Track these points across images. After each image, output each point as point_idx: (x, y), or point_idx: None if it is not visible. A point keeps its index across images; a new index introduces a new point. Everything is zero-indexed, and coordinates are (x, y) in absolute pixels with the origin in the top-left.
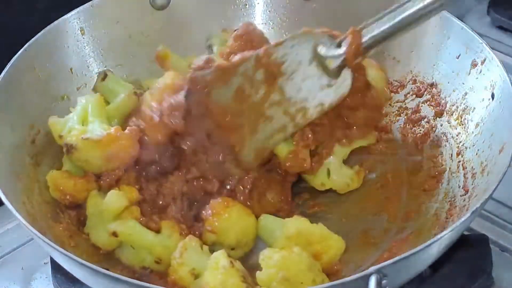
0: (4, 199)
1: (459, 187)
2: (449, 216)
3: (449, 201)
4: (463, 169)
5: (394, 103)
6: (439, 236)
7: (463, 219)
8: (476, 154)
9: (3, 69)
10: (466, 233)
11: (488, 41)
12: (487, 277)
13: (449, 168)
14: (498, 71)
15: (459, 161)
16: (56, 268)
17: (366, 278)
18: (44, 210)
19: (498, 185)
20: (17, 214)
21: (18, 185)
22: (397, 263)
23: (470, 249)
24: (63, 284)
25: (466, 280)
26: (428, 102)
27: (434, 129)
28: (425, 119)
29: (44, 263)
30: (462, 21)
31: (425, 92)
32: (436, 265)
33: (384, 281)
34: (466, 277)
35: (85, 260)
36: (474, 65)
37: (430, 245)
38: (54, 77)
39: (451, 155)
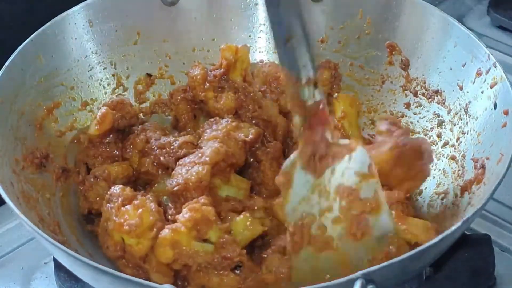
0: (4, 196)
1: (455, 196)
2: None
3: (445, 206)
4: (461, 178)
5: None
6: (427, 244)
7: (454, 228)
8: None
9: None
10: (468, 233)
11: (488, 41)
12: (489, 277)
13: (447, 177)
14: (502, 81)
15: (458, 170)
16: (59, 266)
17: (352, 282)
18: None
19: (490, 197)
20: (18, 213)
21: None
22: (385, 269)
23: (472, 249)
24: (66, 282)
25: (468, 279)
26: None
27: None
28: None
29: (44, 263)
30: (462, 21)
31: (430, 99)
32: (438, 265)
33: (370, 286)
34: (468, 277)
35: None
36: (479, 74)
37: (418, 252)
38: (59, 68)
39: (450, 163)
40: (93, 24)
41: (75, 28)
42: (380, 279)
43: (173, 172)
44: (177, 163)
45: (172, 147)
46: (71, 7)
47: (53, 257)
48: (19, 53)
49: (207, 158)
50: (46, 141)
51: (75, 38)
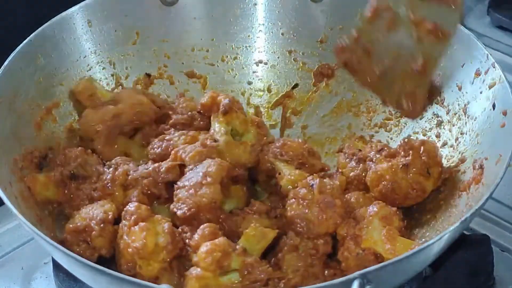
0: (3, 197)
1: (453, 196)
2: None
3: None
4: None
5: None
6: (425, 244)
7: (452, 228)
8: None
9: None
10: (467, 233)
11: (488, 41)
12: (488, 277)
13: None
14: (501, 81)
15: (457, 171)
16: (58, 266)
17: (349, 282)
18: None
19: (489, 197)
20: (17, 213)
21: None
22: (383, 269)
23: (471, 249)
24: (65, 282)
25: (467, 280)
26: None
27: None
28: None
29: (44, 263)
30: (462, 21)
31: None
32: (437, 265)
33: (368, 287)
34: (467, 277)
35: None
36: (477, 74)
37: (416, 252)
38: (58, 68)
39: (449, 164)
40: (92, 24)
41: (74, 28)
42: (378, 279)
43: (178, 196)
44: (177, 186)
45: (159, 173)
46: (71, 7)
47: (52, 258)
48: (18, 53)
49: (211, 178)
50: (45, 141)
51: (74, 38)
